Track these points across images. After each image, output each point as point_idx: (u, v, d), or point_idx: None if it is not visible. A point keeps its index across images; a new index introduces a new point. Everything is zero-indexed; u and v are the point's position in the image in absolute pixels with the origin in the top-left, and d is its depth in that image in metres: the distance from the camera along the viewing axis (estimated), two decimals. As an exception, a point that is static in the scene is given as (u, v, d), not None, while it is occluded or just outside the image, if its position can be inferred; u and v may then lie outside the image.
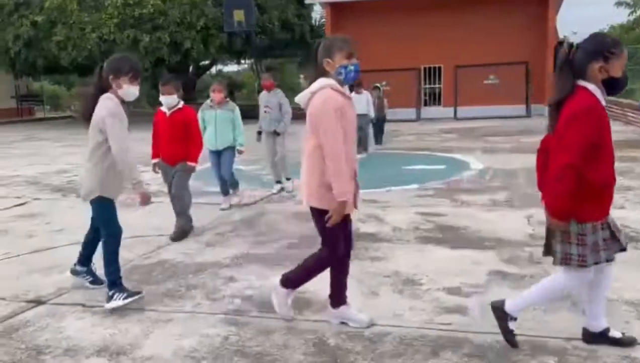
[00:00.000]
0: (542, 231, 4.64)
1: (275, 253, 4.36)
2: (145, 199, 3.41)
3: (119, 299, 3.28)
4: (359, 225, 5.09)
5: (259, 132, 7.05)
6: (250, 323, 3.06)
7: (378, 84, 12.27)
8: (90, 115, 3.36)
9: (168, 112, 4.88)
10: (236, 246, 4.59)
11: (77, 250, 3.75)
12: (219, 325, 3.06)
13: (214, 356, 2.69)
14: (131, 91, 3.37)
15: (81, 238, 3.77)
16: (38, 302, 3.47)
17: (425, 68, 20.24)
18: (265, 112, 6.85)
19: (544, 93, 17.95)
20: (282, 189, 6.87)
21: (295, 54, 26.57)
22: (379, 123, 11.78)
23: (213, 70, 33.38)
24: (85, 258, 3.67)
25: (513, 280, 3.58)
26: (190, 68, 24.69)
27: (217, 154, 5.89)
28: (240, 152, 5.97)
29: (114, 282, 3.34)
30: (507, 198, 6.11)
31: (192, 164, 4.89)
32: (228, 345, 2.81)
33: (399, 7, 19.38)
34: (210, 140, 5.78)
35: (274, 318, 3.10)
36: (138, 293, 3.41)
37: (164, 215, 5.28)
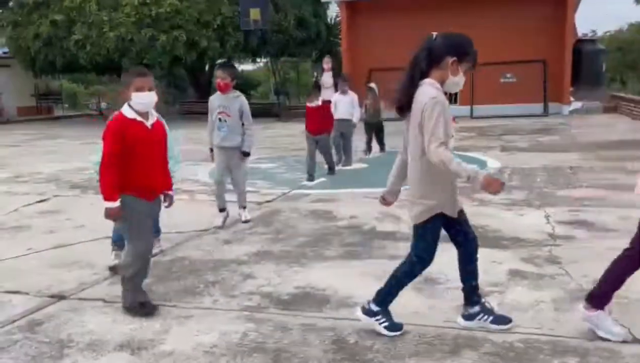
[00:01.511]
0: (561, 230, 4.62)
1: (292, 251, 4.37)
2: (497, 186, 2.52)
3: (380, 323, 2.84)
4: (375, 224, 5.09)
5: (212, 149, 5.34)
6: (269, 320, 3.08)
7: (372, 84, 10.34)
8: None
9: None
10: (253, 243, 4.62)
11: (98, 246, 3.80)
12: (237, 321, 3.08)
13: (234, 352, 2.72)
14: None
15: (102, 234, 3.82)
16: (60, 297, 3.53)
17: (441, 66, 20.11)
18: (220, 120, 5.12)
19: (562, 92, 17.72)
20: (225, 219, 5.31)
21: (310, 52, 26.60)
22: (376, 129, 9.95)
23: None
24: (471, 292, 2.95)
25: (533, 279, 3.55)
26: (207, 67, 24.83)
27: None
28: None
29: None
30: (526, 196, 6.05)
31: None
32: (247, 341, 2.83)
33: (414, 6, 19.29)
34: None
35: (292, 315, 3.12)
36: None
37: (181, 212, 5.32)
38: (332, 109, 8.57)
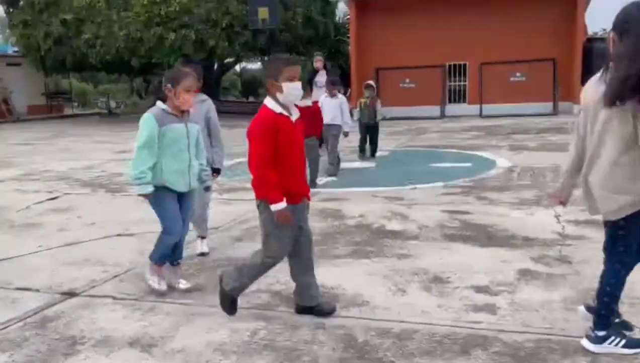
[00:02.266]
0: (571, 229, 4.59)
1: (301, 249, 4.36)
2: None
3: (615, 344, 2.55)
4: (384, 223, 5.09)
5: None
6: (279, 318, 3.08)
7: (371, 81, 9.90)
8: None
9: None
10: (263, 242, 4.61)
11: (108, 243, 3.82)
12: (247, 319, 3.09)
13: (243, 350, 2.72)
14: None
15: (112, 232, 3.84)
16: (71, 294, 3.55)
17: (450, 65, 20.04)
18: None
19: (572, 91, 17.61)
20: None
21: (318, 51, 26.60)
22: (371, 132, 9.29)
23: (237, 67, 33.60)
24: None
25: (543, 279, 3.53)
26: (215, 65, 24.89)
27: None
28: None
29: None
30: (535, 196, 6.02)
31: None
32: (257, 339, 2.84)
33: (423, 4, 19.22)
34: None
35: (301, 314, 3.12)
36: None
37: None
38: None
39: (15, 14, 22.36)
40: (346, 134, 8.16)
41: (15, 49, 25.63)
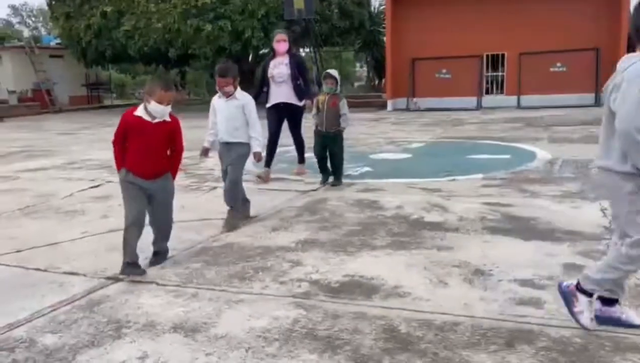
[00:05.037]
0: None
1: (338, 239, 4.37)
2: None
3: None
4: (422, 214, 5.03)
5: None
6: (319, 307, 3.09)
7: (333, 71, 6.59)
8: None
9: None
10: (300, 231, 4.64)
11: (147, 231, 3.89)
12: (287, 307, 3.10)
13: (285, 337, 2.74)
14: None
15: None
16: (116, 279, 3.64)
17: (487, 55, 19.63)
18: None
19: (616, 81, 17.02)
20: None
21: (353, 41, 26.42)
22: (331, 145, 6.44)
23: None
24: None
25: (590, 273, 3.42)
26: (250, 56, 25.04)
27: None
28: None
29: None
30: (579, 189, 5.85)
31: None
32: (298, 327, 2.85)
33: (461, -7, 18.86)
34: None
35: (342, 303, 3.12)
36: None
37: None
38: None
39: (58, 6, 22.97)
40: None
41: (58, 41, 26.36)
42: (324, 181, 6.57)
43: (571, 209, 5.07)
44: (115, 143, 3.82)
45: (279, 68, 6.92)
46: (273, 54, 7.11)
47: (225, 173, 4.99)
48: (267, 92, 7.04)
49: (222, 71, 4.79)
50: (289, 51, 7.02)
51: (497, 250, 3.98)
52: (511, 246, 4.06)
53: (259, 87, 7.16)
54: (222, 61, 4.91)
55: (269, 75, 6.97)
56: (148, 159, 3.78)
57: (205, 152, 5.07)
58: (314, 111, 6.48)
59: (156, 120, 3.74)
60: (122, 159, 3.82)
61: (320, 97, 6.42)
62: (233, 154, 4.89)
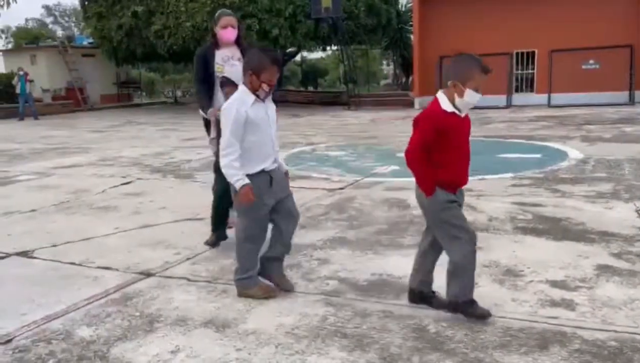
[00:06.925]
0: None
1: (366, 238, 4.37)
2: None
3: None
4: (452, 213, 4.98)
5: None
6: (347, 305, 3.09)
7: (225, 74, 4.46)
8: None
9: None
10: (327, 229, 4.65)
11: (179, 227, 3.95)
12: (316, 305, 3.12)
13: (315, 334, 2.75)
14: None
15: (181, 216, 3.97)
16: (148, 274, 3.71)
17: (517, 53, 19.31)
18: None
19: (651, 79, 16.59)
20: None
21: (380, 40, 26.28)
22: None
23: (298, 57, 33.78)
24: None
25: (625, 275, 3.36)
26: (277, 55, 25.18)
27: None
28: None
29: None
30: (613, 189, 5.72)
31: None
32: (327, 325, 2.86)
33: (491, -11, 18.59)
34: None
35: (370, 302, 3.12)
36: None
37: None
38: None
39: (90, 6, 23.46)
40: None
41: (90, 40, 26.90)
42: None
43: (604, 209, 4.96)
44: (419, 158, 2.80)
45: (231, 66, 4.37)
46: (214, 43, 4.55)
47: (279, 211, 3.38)
48: (211, 95, 4.38)
49: (278, 59, 3.22)
50: (238, 42, 4.56)
51: (527, 250, 3.93)
52: (542, 246, 4.00)
53: (206, 87, 4.41)
54: (260, 47, 3.37)
55: (217, 74, 4.35)
56: (467, 165, 2.98)
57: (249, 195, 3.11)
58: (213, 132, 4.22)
59: (463, 114, 2.85)
60: (434, 175, 2.85)
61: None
62: (287, 179, 3.43)
